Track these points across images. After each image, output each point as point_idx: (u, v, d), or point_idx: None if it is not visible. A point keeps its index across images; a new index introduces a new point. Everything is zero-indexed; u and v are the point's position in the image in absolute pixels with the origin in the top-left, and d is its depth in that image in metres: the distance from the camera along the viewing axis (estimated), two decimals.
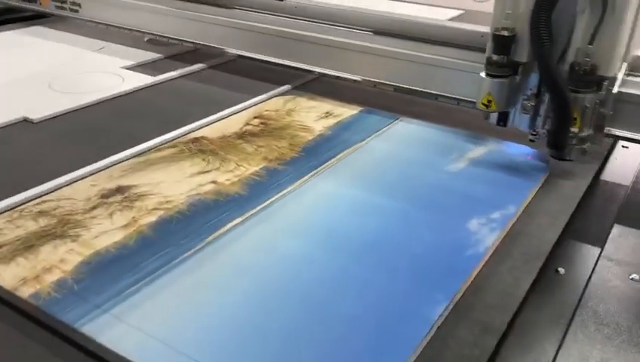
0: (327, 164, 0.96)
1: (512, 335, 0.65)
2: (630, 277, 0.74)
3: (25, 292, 0.65)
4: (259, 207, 0.83)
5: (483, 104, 0.95)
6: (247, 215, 0.81)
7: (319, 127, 1.09)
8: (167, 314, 0.63)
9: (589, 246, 0.81)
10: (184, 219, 0.80)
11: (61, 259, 0.70)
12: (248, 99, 1.21)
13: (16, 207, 0.82)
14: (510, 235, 0.80)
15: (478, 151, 1.01)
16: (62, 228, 0.76)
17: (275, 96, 1.25)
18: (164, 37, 1.50)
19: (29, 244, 0.73)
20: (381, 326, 0.62)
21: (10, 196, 0.84)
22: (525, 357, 0.62)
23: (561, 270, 0.76)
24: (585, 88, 0.86)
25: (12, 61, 1.46)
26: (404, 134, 1.08)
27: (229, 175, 0.91)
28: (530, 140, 0.97)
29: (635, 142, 0.95)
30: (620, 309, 0.69)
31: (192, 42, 1.45)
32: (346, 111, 1.17)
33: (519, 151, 1.01)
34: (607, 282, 0.73)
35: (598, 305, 0.69)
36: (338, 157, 0.98)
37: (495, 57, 0.91)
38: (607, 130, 0.92)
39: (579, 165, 0.95)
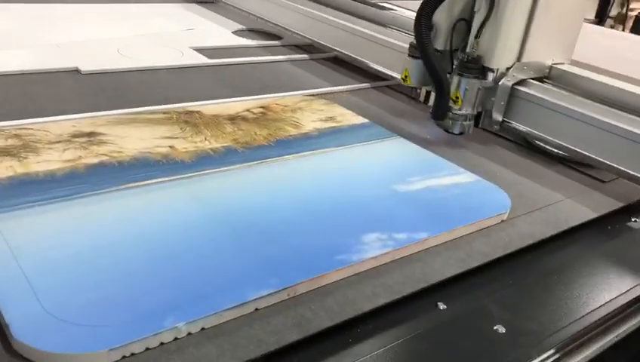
0: (282, 157, 0.99)
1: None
2: None
3: None
4: (184, 175, 0.89)
5: (402, 78, 1.21)
6: (169, 178, 0.87)
7: (311, 127, 1.13)
8: (34, 235, 0.71)
9: None
10: (118, 167, 0.88)
11: None
12: (314, 88, 1.35)
13: (4, 128, 0.97)
14: (398, 259, 0.78)
15: (443, 180, 0.98)
16: (19, 150, 0.89)
17: (350, 91, 1.38)
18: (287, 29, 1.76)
19: None
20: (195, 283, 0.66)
21: (5, 120, 1.00)
22: None
23: (440, 304, 0.73)
24: (467, 73, 1.09)
25: (118, 28, 1.67)
26: (383, 150, 1.08)
27: (189, 145, 0.98)
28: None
29: None
30: None
31: (302, 35, 1.70)
32: (351, 120, 1.19)
33: (484, 190, 0.96)
34: None
35: None
36: (298, 155, 1.01)
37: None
38: (507, 121, 1.12)
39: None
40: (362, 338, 0.66)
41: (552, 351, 0.68)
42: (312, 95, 1.32)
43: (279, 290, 0.67)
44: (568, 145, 1.05)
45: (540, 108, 1.06)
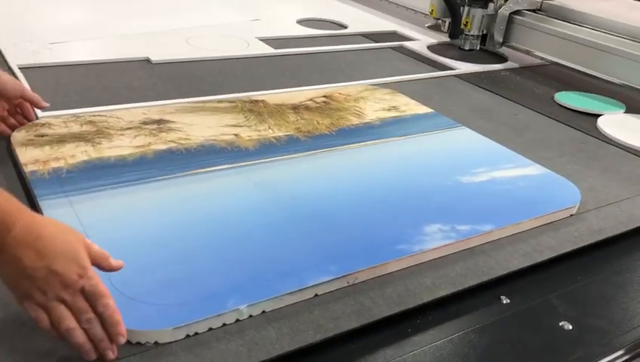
0: (344, 146, 0.99)
1: None
2: None
3: (29, 168, 0.82)
4: (248, 163, 0.90)
5: (429, 11, 1.70)
6: (234, 165, 0.89)
7: (373, 116, 1.12)
8: (106, 216, 0.74)
9: None
10: (185, 153, 0.91)
11: (72, 155, 0.87)
12: (379, 77, 1.30)
13: (80, 114, 1.01)
14: (461, 251, 0.76)
15: (510, 171, 0.95)
16: (93, 136, 0.93)
17: (415, 80, 1.36)
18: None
19: (62, 140, 0.91)
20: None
21: (81, 107, 1.05)
22: None
23: (504, 298, 0.71)
24: (474, 4, 1.59)
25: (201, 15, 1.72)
26: (447, 140, 1.06)
27: (253, 133, 1.00)
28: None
29: None
30: None
31: None
32: (415, 109, 1.17)
33: (553, 182, 0.93)
34: None
35: None
36: (360, 144, 1.01)
37: None
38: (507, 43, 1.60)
39: None
40: (422, 328, 0.66)
41: (621, 352, 0.66)
42: (376, 84, 1.31)
43: (339, 277, 0.68)
44: (554, 59, 1.53)
45: (533, 32, 1.52)
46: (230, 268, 0.67)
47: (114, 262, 0.59)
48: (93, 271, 0.56)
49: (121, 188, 0.80)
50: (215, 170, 0.87)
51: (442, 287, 0.70)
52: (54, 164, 0.84)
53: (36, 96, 0.93)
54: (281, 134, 1.01)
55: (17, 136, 0.90)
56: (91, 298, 0.55)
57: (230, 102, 1.12)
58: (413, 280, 0.71)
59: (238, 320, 0.62)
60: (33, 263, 0.53)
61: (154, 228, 0.73)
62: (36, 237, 0.53)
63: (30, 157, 0.85)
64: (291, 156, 0.94)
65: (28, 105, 0.94)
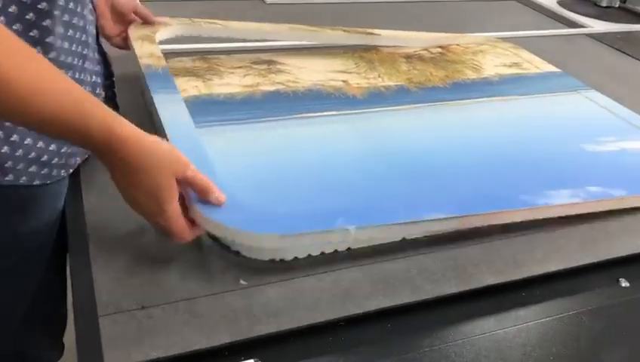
0: (457, 102, 0.93)
1: None
2: None
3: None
4: (355, 111, 0.87)
5: None
6: (340, 112, 0.86)
7: (492, 72, 1.04)
8: (212, 152, 0.74)
9: None
10: (293, 96, 0.89)
11: (184, 89, 0.87)
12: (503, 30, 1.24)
13: (194, 50, 1.02)
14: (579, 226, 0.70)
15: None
16: (204, 72, 0.93)
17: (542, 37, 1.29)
18: None
19: (175, 73, 0.92)
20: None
21: (194, 44, 1.06)
22: None
23: (623, 281, 0.64)
24: None
25: None
26: (573, 104, 0.96)
27: (362, 80, 0.96)
28: None
29: None
30: None
31: None
32: (540, 67, 1.08)
33: None
34: None
35: None
36: (478, 100, 0.94)
37: None
38: None
39: None
40: (527, 302, 0.61)
41: None
42: (499, 38, 1.21)
43: (453, 217, 0.63)
44: None
45: None
46: (340, 193, 0.68)
47: (217, 195, 0.57)
48: (172, 212, 0.56)
49: (226, 126, 0.79)
50: (320, 115, 0.85)
51: (554, 262, 0.64)
52: None
53: (148, 12, 0.93)
54: (391, 83, 0.96)
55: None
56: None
57: (342, 46, 1.09)
58: (523, 249, 0.66)
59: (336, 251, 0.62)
60: (123, 190, 0.57)
61: (256, 167, 0.72)
62: (132, 170, 0.54)
63: (146, 51, 0.87)
64: (400, 107, 0.89)
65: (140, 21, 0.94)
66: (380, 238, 0.63)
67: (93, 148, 0.54)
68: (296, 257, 0.61)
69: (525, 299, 0.61)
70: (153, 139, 0.55)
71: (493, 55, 1.11)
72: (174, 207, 0.56)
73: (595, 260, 0.65)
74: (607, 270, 0.66)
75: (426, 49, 1.11)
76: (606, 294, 0.63)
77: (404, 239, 0.65)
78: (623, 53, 1.27)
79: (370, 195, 0.68)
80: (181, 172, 0.56)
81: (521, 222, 0.67)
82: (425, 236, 0.65)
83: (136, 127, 0.55)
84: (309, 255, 0.61)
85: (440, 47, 1.13)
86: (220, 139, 0.77)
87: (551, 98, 0.97)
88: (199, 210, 0.57)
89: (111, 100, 0.78)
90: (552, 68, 1.08)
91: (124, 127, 0.54)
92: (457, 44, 1.15)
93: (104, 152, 0.54)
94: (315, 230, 0.59)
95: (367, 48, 1.09)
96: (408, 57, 1.07)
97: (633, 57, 1.25)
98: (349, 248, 0.63)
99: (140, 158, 0.54)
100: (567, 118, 0.92)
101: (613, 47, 1.29)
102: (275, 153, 0.75)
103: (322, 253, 0.62)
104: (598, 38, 1.35)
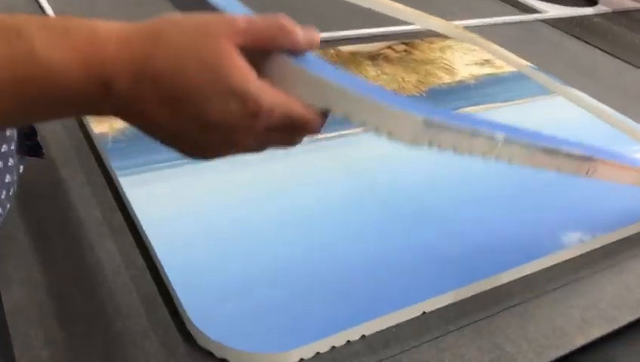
0: None
1: None
2: None
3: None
4: (336, 133, 0.73)
5: None
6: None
7: (466, 72, 0.94)
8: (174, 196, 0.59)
9: None
10: None
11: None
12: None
13: None
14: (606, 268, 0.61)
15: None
16: None
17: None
18: None
19: None
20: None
21: None
22: None
23: None
24: None
25: None
26: (563, 110, 0.88)
27: None
28: None
29: None
30: None
31: None
32: (512, 63, 0.98)
33: None
34: None
35: None
36: (462, 109, 0.83)
37: None
38: None
39: None
40: None
41: None
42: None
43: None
44: None
45: None
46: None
47: (302, 32, 0.35)
48: (260, 89, 0.33)
49: (181, 167, 0.63)
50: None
51: (595, 323, 0.55)
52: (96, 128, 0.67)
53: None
54: None
55: None
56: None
57: None
58: (559, 311, 0.56)
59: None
60: (171, 122, 0.33)
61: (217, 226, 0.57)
62: (155, 85, 0.32)
63: None
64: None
65: None
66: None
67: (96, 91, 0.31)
68: (302, 359, 0.47)
69: None
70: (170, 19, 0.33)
71: (461, 51, 1.01)
72: (259, 84, 0.33)
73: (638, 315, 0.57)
74: None
75: (390, 47, 0.99)
76: None
77: (424, 313, 0.53)
78: (583, 41, 1.21)
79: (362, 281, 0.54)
80: (233, 31, 0.33)
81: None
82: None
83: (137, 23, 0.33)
84: (317, 353, 0.48)
85: (404, 43, 1.00)
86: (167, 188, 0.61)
87: (537, 104, 0.88)
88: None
89: None
90: (523, 62, 0.99)
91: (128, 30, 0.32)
92: (422, 40, 1.03)
93: (121, 80, 0.31)
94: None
95: (325, 47, 0.95)
96: (373, 58, 0.94)
97: (593, 45, 1.19)
98: (363, 336, 0.50)
99: (175, 48, 0.32)
100: (563, 128, 0.83)
101: (572, 35, 1.22)
102: (231, 207, 0.60)
103: (333, 347, 0.49)
104: (553, 24, 1.28)
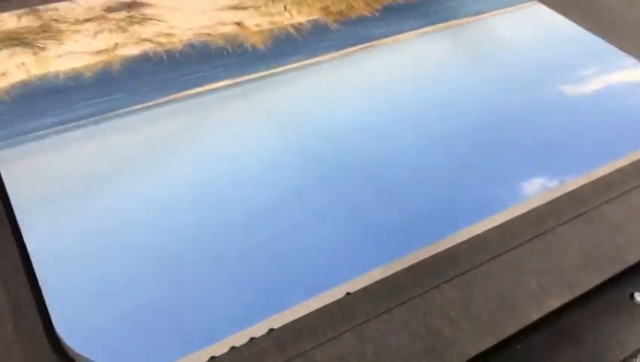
0: (398, 36, 0.70)
1: None
2: None
3: None
4: (260, 74, 0.63)
5: None
6: (240, 79, 0.62)
7: None
8: (54, 189, 0.50)
9: None
10: (168, 61, 0.63)
11: (3, 72, 0.60)
12: None
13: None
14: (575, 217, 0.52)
15: (623, 75, 0.66)
16: (35, 35, 0.65)
17: None
18: None
19: None
20: None
21: None
22: None
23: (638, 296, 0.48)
24: None
25: None
26: (529, 26, 0.75)
27: (263, 19, 0.71)
28: None
29: None
30: None
31: None
32: None
33: None
34: None
35: None
36: (420, 30, 0.71)
37: None
38: None
39: None
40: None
41: None
42: None
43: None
44: None
45: None
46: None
47: None
48: None
49: (70, 132, 0.54)
50: (208, 89, 0.60)
51: (554, 291, 0.47)
52: None
53: None
54: (302, 20, 0.71)
55: None
56: None
57: None
58: (511, 279, 0.47)
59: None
60: None
61: (122, 213, 0.48)
62: None
63: None
64: (318, 59, 0.66)
65: None
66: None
67: None
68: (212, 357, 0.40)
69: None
70: None
71: None
72: None
73: (605, 277, 0.48)
74: (616, 284, 0.49)
75: None
76: (621, 320, 0.47)
77: (347, 294, 0.45)
78: None
79: (277, 265, 0.45)
80: None
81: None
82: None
83: None
84: (212, 357, 0.41)
85: None
86: (59, 160, 0.52)
87: (501, 17, 0.75)
88: None
89: None
90: None
91: None
92: None
93: None
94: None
95: None
96: None
97: None
98: (270, 329, 0.42)
99: None
100: (531, 46, 0.71)
101: None
102: (139, 180, 0.50)
103: (233, 348, 0.41)
104: None
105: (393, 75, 0.64)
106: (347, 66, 0.64)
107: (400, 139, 0.55)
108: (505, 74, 0.65)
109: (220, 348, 0.41)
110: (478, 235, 0.50)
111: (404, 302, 0.45)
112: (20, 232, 0.45)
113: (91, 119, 0.55)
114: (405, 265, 0.47)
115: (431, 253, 0.48)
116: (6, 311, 0.42)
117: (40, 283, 0.42)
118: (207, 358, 0.40)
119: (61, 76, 0.60)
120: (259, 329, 0.42)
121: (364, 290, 0.45)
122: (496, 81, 0.64)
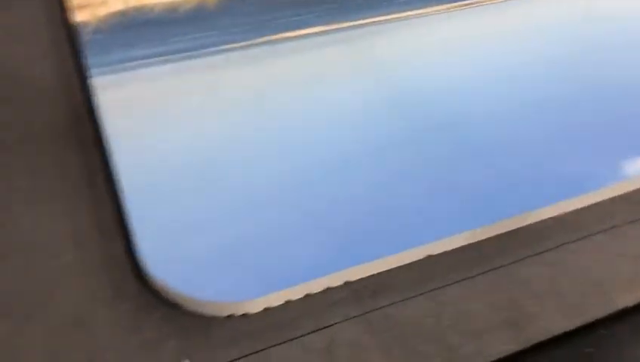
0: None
1: None
2: None
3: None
4: (360, 22, 0.61)
5: None
6: (337, 26, 0.60)
7: None
8: (150, 104, 0.51)
9: None
10: (265, 1, 0.62)
11: (103, 1, 0.60)
12: None
13: None
14: None
15: None
16: None
17: None
18: None
19: None
20: None
21: None
22: None
23: None
24: None
25: None
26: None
27: None
28: None
29: None
30: None
31: None
32: None
33: None
34: None
35: None
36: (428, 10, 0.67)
37: None
38: None
39: None
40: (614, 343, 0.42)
41: None
42: None
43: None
44: None
45: None
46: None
47: None
48: None
49: (164, 66, 0.54)
50: (304, 34, 0.59)
51: None
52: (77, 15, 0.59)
53: None
54: None
55: None
56: None
57: None
58: (603, 261, 0.45)
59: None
60: None
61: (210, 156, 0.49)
62: None
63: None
64: (418, 12, 0.63)
65: None
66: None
67: None
68: (267, 308, 0.40)
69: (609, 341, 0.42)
70: None
71: None
72: None
73: None
74: None
75: None
76: None
77: (428, 257, 0.44)
78: None
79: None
80: None
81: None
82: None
83: None
84: (288, 301, 0.41)
85: None
86: (151, 91, 0.52)
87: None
88: None
89: None
90: None
91: None
92: None
93: None
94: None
95: None
96: None
97: None
98: (346, 282, 0.42)
99: None
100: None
101: None
102: (228, 121, 0.51)
103: (307, 295, 0.41)
104: None
105: (503, 34, 0.60)
106: (457, 21, 0.61)
107: (499, 102, 0.52)
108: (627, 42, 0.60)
109: (295, 293, 0.40)
110: (572, 211, 0.47)
111: (488, 271, 0.43)
112: (111, 159, 0.46)
113: (185, 54, 0.55)
114: (492, 234, 0.45)
115: (520, 224, 0.46)
116: (94, 236, 0.43)
117: (127, 212, 0.43)
118: (282, 301, 0.40)
119: (157, 9, 0.60)
120: (335, 280, 0.41)
121: (446, 254, 0.44)
122: (617, 49, 0.59)
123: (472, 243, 0.45)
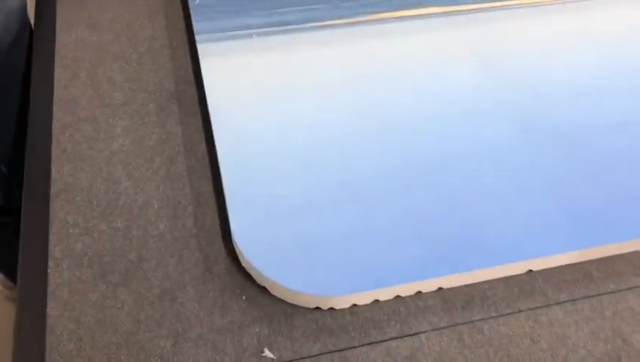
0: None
1: None
2: None
3: None
4: (472, 6, 0.57)
5: None
6: (449, 9, 0.56)
7: None
8: (253, 76, 0.50)
9: None
10: None
11: None
12: None
13: None
14: None
15: None
16: None
17: None
18: None
19: None
20: None
21: None
22: None
23: None
24: None
25: None
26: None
27: None
28: None
29: None
30: None
31: None
32: None
33: None
34: None
35: None
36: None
37: None
38: None
39: None
40: None
41: None
42: None
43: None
44: None
45: None
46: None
47: None
48: None
49: (271, 37, 0.53)
50: (414, 14, 0.56)
51: None
52: None
53: None
54: None
55: None
56: None
57: None
58: None
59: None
60: None
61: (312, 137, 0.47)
62: None
63: None
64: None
65: None
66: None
67: None
68: (354, 304, 0.39)
69: None
70: None
71: None
72: None
73: None
74: None
75: None
76: None
77: (530, 272, 0.41)
78: None
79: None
80: None
81: None
82: None
83: None
84: (376, 301, 0.39)
85: None
86: (254, 63, 0.51)
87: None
88: None
89: None
90: None
91: None
92: None
93: None
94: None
95: None
96: None
97: None
98: (440, 288, 0.40)
99: None
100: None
101: None
102: (331, 106, 0.49)
103: (398, 297, 0.40)
104: None
105: (625, 28, 0.55)
106: (574, 12, 0.56)
107: (620, 108, 0.47)
108: None
109: (385, 294, 0.39)
110: None
111: (592, 296, 0.40)
112: (211, 129, 0.46)
113: (293, 26, 0.54)
114: (600, 255, 0.41)
115: (633, 249, 0.42)
116: (189, 204, 0.43)
117: (224, 185, 0.42)
118: (370, 300, 0.39)
119: None
120: (428, 285, 0.39)
121: (549, 272, 0.41)
122: None
123: (577, 264, 0.41)
